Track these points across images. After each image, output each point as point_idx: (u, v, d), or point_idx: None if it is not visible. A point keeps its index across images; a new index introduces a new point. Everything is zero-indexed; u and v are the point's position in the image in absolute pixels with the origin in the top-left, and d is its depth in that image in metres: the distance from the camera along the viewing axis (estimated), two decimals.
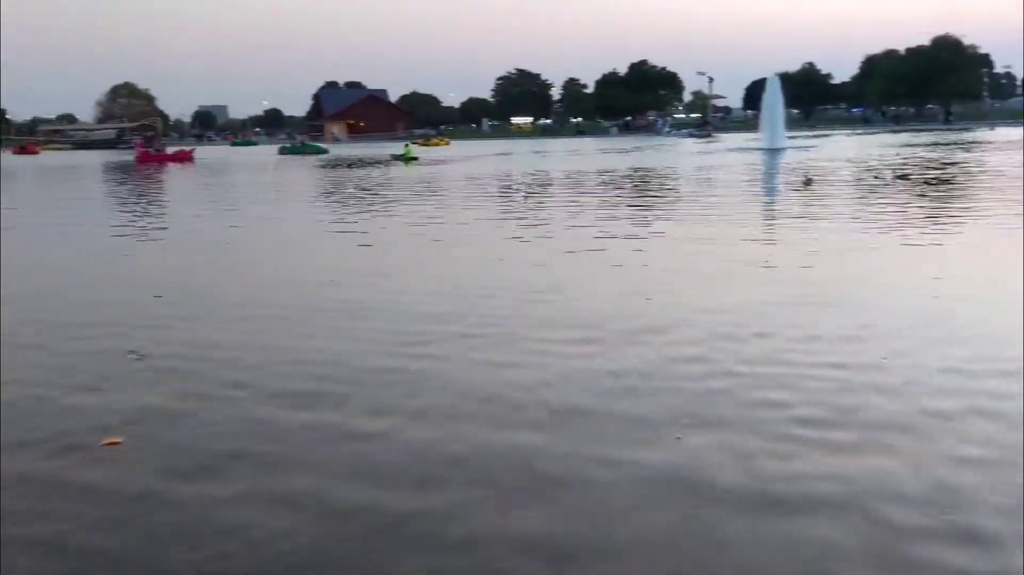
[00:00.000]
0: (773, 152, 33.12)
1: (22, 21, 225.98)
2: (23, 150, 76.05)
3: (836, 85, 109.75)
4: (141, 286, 7.24)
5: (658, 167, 26.71)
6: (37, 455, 3.44)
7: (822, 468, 3.12)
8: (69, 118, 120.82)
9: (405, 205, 15.32)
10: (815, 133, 63.15)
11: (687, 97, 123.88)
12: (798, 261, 7.61)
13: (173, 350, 5.01)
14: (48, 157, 65.07)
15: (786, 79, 48.00)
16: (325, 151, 53.87)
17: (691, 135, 75.40)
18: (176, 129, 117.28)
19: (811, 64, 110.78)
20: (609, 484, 3.03)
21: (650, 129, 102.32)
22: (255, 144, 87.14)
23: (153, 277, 7.79)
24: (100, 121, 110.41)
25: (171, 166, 39.34)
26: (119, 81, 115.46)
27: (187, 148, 49.49)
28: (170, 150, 47.21)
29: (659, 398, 3.94)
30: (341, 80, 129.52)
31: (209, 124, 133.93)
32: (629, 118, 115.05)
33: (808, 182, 17.17)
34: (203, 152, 56.06)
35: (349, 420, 3.75)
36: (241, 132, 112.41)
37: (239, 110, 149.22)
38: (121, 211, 16.72)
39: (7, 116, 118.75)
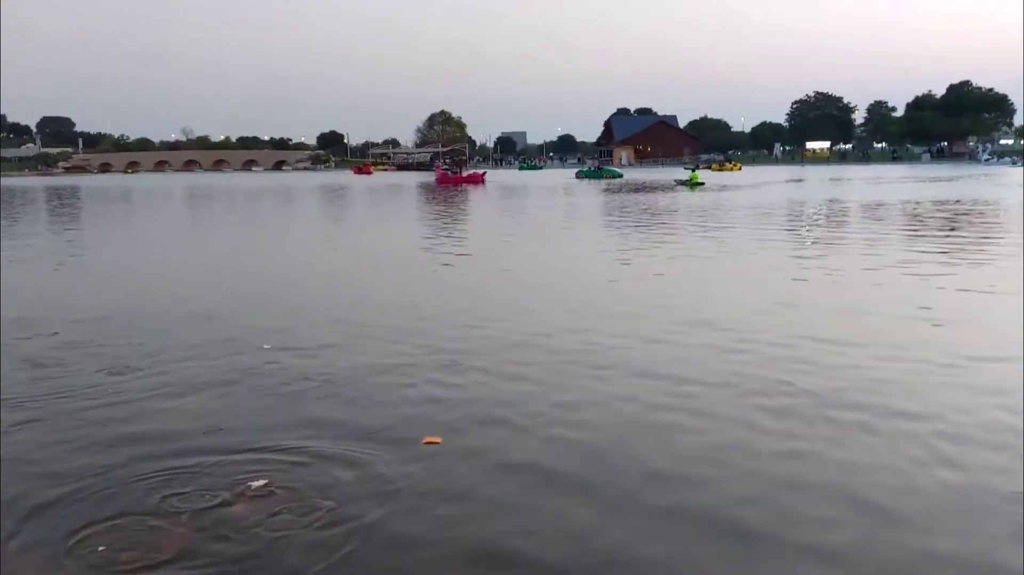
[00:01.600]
0: None
1: (358, 56, 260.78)
2: (360, 170, 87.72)
3: None
4: None
5: None
6: None
7: None
8: (393, 142, 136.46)
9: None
10: None
11: (1019, 121, 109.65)
12: None
13: None
14: (379, 177, 73.79)
15: None
16: (620, 175, 56.04)
17: (1015, 163, 66.95)
18: (480, 153, 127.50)
19: None
20: None
21: (967, 156, 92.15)
22: (542, 168, 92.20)
23: None
24: (418, 146, 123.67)
25: (466, 187, 43.63)
26: (436, 110, 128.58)
27: (479, 172, 54.34)
28: (465, 173, 52.20)
29: None
30: (632, 106, 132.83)
31: (509, 149, 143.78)
32: (944, 144, 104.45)
33: None
34: (496, 175, 60.75)
35: None
36: (536, 157, 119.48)
37: (536, 136, 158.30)
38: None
39: (344, 140, 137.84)
